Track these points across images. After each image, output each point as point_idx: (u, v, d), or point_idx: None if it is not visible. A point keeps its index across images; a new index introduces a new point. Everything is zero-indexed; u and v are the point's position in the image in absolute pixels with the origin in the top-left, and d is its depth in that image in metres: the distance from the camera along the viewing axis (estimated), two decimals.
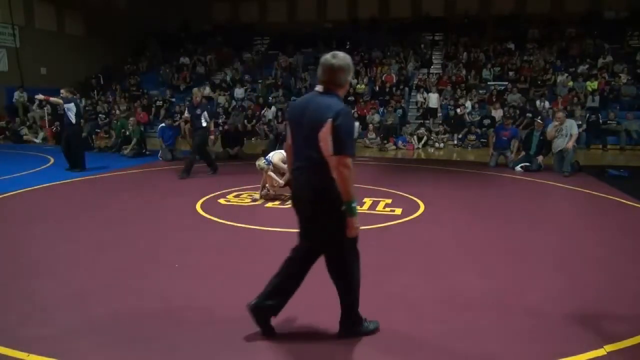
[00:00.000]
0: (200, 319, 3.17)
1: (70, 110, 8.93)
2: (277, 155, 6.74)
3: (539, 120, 10.40)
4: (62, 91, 9.15)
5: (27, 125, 15.91)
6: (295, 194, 2.85)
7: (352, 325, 2.93)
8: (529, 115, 14.02)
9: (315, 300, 3.22)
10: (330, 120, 2.55)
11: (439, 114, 16.04)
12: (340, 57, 2.73)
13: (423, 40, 20.33)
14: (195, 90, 9.33)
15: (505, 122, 11.27)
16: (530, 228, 5.47)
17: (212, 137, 10.75)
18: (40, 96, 9.70)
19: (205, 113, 8.64)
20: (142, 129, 13.35)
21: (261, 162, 6.73)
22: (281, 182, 6.64)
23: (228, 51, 21.78)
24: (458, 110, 15.35)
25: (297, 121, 2.76)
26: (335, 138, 2.54)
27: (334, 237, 2.73)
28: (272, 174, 6.72)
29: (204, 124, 8.63)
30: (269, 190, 6.90)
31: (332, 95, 2.71)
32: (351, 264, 2.85)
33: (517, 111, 14.81)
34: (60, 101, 9.05)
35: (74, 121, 8.99)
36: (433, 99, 16.29)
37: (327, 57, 2.73)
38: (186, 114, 9.29)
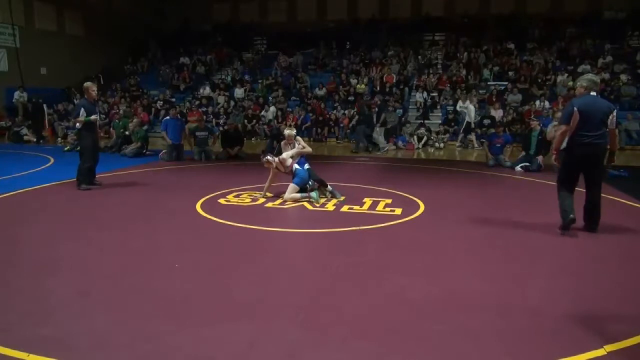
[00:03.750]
0: (200, 319, 3.18)
1: None
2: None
3: (533, 120, 10.44)
4: None
5: (26, 125, 15.90)
6: (589, 151, 4.96)
7: (599, 220, 5.21)
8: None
9: None
10: (615, 111, 5.04)
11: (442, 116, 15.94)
12: (597, 77, 5.52)
13: (423, 41, 20.34)
14: (89, 83, 7.76)
15: (497, 130, 11.26)
16: (530, 228, 5.48)
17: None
18: None
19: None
20: (145, 128, 13.33)
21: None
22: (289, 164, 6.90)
23: (228, 51, 21.79)
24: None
25: (592, 111, 4.93)
26: (614, 119, 5.02)
27: (604, 169, 5.31)
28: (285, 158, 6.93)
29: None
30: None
31: (601, 96, 5.31)
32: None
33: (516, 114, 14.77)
34: None
35: None
36: (472, 111, 14.48)
37: (596, 76, 5.58)
38: (94, 116, 7.46)
